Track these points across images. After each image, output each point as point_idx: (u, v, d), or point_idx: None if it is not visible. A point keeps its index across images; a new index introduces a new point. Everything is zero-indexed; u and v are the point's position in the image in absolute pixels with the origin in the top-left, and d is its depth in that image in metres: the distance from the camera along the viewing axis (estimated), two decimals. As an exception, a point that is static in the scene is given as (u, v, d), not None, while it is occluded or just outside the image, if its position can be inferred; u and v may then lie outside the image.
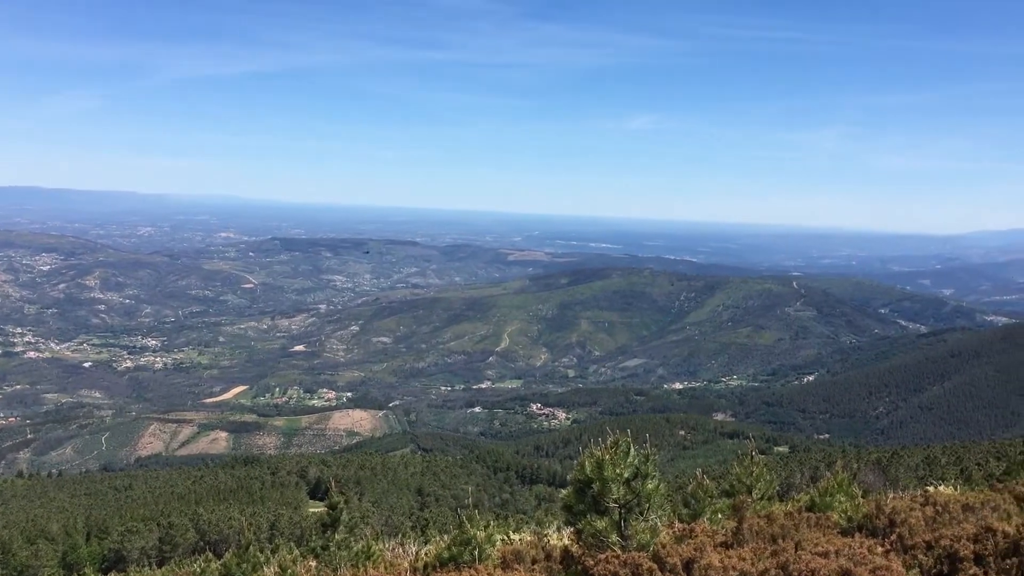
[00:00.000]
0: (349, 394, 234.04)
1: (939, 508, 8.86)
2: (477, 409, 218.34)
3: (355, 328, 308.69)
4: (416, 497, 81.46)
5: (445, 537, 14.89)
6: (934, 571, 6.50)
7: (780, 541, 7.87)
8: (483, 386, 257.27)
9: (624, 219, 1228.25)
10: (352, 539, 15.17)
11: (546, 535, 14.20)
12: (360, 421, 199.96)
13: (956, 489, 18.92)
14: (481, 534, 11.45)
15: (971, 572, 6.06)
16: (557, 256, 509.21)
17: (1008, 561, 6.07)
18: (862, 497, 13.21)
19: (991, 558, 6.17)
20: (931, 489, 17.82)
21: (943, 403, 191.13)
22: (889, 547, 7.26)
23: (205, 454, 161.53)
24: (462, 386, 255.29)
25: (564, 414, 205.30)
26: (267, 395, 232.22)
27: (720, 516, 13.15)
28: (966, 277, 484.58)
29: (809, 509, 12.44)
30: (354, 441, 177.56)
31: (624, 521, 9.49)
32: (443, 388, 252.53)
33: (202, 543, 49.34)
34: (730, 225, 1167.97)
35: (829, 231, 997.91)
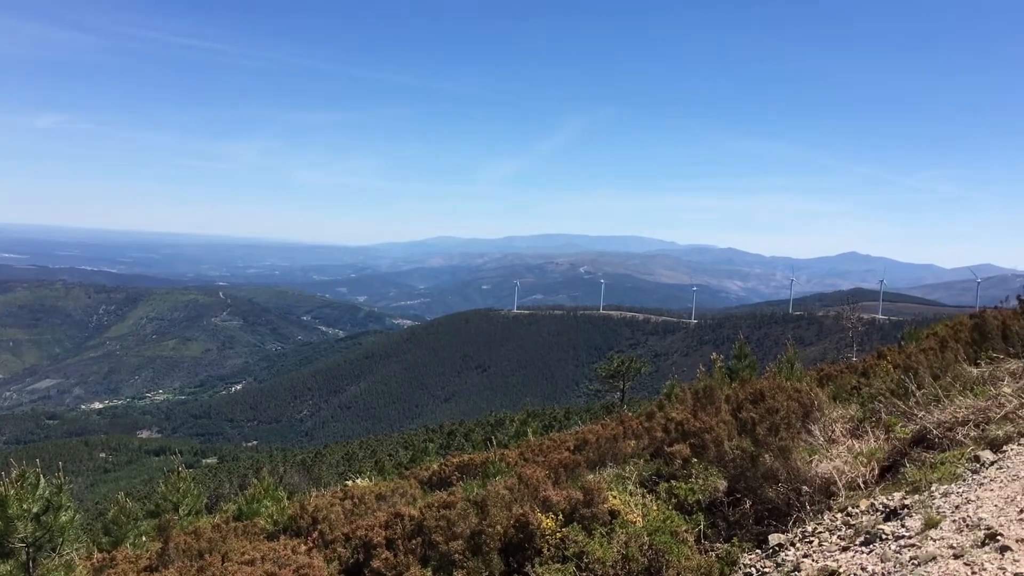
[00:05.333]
0: None
1: (356, 500, 9.55)
2: None
3: None
4: None
5: None
6: (351, 561, 7.00)
7: (207, 556, 7.78)
8: None
9: (31, 226, 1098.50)
10: None
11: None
12: None
13: (371, 480, 20.64)
14: None
15: (383, 556, 6.64)
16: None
17: (414, 541, 6.80)
18: (288, 499, 13.72)
19: (400, 541, 6.85)
20: (350, 483, 19.17)
21: (360, 401, 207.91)
22: (312, 544, 7.62)
23: None
24: None
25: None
26: None
27: (145, 539, 12.65)
28: (377, 284, 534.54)
29: (237, 518, 12.50)
30: None
31: (33, 561, 8.59)
32: None
33: None
34: (152, 234, 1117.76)
35: (254, 241, 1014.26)
